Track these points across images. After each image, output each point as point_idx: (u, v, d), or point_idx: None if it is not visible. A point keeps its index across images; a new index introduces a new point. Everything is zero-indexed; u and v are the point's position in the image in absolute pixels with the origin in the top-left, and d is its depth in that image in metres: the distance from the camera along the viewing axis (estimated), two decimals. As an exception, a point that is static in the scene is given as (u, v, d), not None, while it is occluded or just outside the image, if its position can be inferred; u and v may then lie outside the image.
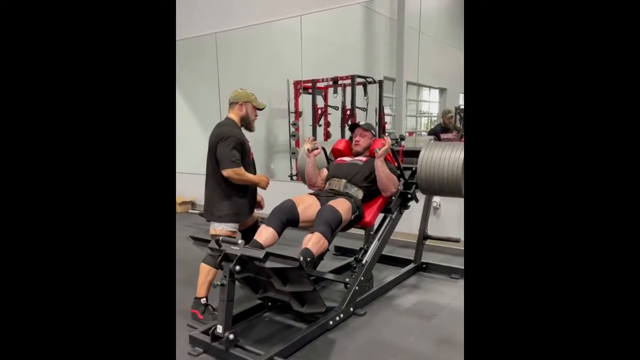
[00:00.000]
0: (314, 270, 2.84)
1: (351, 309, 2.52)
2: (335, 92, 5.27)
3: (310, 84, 5.44)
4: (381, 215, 2.85)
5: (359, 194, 2.70)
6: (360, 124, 2.93)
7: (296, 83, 5.50)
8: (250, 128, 2.64)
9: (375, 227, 2.86)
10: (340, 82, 5.23)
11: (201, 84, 6.33)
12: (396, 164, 2.85)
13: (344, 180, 2.71)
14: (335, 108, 5.40)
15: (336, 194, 2.65)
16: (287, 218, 2.45)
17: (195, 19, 5.66)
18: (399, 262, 3.38)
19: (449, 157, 2.59)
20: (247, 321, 2.44)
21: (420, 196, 2.95)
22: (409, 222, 3.85)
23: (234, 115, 2.57)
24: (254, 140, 2.74)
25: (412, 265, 3.24)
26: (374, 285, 2.79)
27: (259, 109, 2.64)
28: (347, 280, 2.62)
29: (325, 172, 2.93)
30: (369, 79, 5.37)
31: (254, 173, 2.68)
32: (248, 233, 2.58)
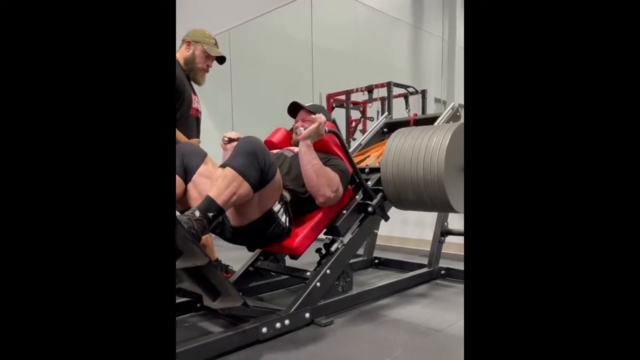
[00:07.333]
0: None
1: (307, 314, 1.67)
2: (369, 101, 4.74)
3: (343, 97, 4.99)
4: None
5: (285, 195, 1.79)
6: (305, 105, 2.03)
7: (329, 96, 5.09)
8: (195, 78, 2.16)
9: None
10: (375, 90, 4.70)
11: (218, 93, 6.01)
12: (347, 159, 1.90)
13: None
14: (370, 119, 4.85)
15: None
16: (181, 165, 1.65)
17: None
18: (410, 267, 2.53)
19: (425, 147, 1.73)
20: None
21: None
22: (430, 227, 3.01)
23: (179, 55, 2.13)
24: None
25: (424, 270, 2.34)
26: (360, 289, 1.97)
27: (216, 59, 2.18)
28: (308, 274, 1.84)
29: None
30: (409, 89, 4.78)
31: (196, 136, 2.16)
32: None
